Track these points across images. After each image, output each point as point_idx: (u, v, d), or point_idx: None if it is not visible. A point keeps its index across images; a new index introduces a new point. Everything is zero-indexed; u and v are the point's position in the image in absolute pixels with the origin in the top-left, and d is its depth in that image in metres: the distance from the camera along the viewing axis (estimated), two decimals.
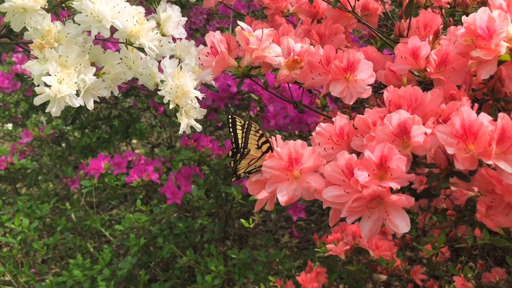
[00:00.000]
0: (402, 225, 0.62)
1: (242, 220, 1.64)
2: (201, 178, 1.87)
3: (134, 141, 3.28)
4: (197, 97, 0.97)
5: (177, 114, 0.96)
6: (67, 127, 2.83)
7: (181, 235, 2.09)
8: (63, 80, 0.84)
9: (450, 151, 0.61)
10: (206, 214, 2.04)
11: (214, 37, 0.85)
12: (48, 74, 0.84)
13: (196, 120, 1.01)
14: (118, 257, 2.29)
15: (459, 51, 0.74)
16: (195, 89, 0.96)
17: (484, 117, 0.61)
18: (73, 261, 2.07)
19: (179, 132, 0.97)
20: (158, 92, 0.96)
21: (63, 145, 2.91)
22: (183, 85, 0.92)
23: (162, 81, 0.97)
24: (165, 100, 0.94)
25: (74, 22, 0.90)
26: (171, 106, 0.94)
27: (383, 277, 1.59)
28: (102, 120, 2.77)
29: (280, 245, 2.72)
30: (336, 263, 1.78)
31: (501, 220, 0.88)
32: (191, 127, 0.99)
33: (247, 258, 1.87)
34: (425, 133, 0.64)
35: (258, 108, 1.84)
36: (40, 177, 2.79)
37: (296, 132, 1.82)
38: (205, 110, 0.99)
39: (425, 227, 1.88)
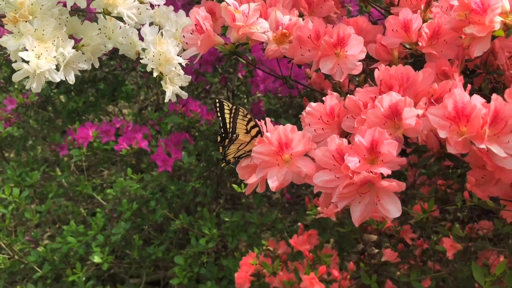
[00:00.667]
0: (393, 210, 0.62)
1: (234, 186, 1.64)
2: (191, 143, 1.86)
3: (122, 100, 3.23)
4: (181, 64, 0.94)
5: (162, 82, 0.93)
6: (52, 92, 2.77)
7: (173, 197, 2.10)
8: (41, 55, 0.80)
9: (442, 134, 0.60)
10: (198, 178, 2.04)
11: (199, 14, 0.82)
12: (25, 49, 0.81)
13: (182, 88, 0.99)
14: (111, 220, 2.30)
15: (451, 26, 0.72)
16: (178, 55, 0.92)
17: (477, 99, 0.59)
18: (66, 228, 2.07)
19: (165, 101, 0.94)
20: (141, 60, 0.92)
21: (50, 109, 2.86)
22: (165, 52, 0.89)
23: (143, 50, 0.94)
24: (148, 68, 0.91)
25: None
26: (154, 74, 0.91)
27: (374, 237, 1.62)
28: (88, 83, 2.71)
29: (272, 202, 2.75)
30: (328, 224, 1.81)
31: (492, 190, 0.88)
32: (177, 95, 0.97)
33: (240, 220, 1.89)
34: (417, 115, 0.63)
35: (246, 71, 1.80)
36: (28, 143, 2.76)
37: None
38: (190, 77, 0.96)
39: (415, 182, 1.90)
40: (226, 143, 0.77)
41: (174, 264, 1.88)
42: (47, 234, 2.70)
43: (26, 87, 0.81)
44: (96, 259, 1.87)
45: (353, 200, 0.64)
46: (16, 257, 1.99)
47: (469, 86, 0.63)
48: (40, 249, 2.01)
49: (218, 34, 0.95)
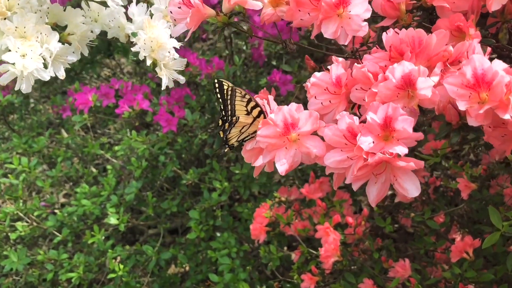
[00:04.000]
0: (411, 188, 0.59)
1: None
2: (193, 99, 1.81)
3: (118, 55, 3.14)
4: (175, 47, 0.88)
5: (156, 69, 0.87)
6: None
7: (181, 150, 2.09)
8: (26, 54, 0.75)
9: (461, 106, 0.55)
10: (204, 130, 2.02)
11: None
12: (8, 49, 0.76)
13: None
14: (122, 177, 2.31)
15: None
16: (171, 37, 0.86)
17: (499, 65, 0.54)
18: (79, 190, 2.09)
19: (162, 88, 0.89)
20: (132, 48, 0.86)
21: None
22: (157, 37, 0.83)
23: (133, 34, 0.87)
24: (140, 56, 0.85)
25: None
26: (148, 63, 0.86)
27: None
28: None
29: None
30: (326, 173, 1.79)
31: None
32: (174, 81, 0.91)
33: (250, 170, 1.88)
34: (433, 85, 0.58)
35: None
36: (30, 107, 2.72)
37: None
38: (186, 60, 0.91)
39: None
40: (226, 127, 0.73)
41: (189, 213, 1.90)
42: (62, 193, 2.72)
43: (15, 89, 0.77)
44: (113, 220, 1.90)
45: (369, 180, 0.61)
46: (34, 224, 2.02)
47: (489, 49, 0.58)
48: (57, 213, 2.04)
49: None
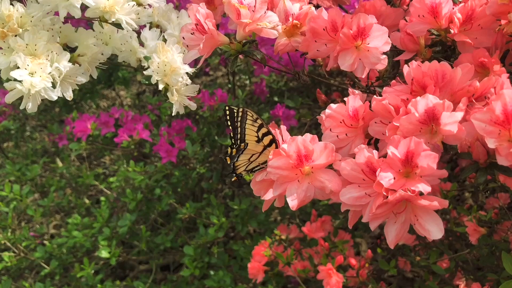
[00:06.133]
0: (434, 230, 0.55)
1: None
2: (194, 130, 1.78)
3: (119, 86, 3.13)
4: (188, 73, 0.86)
5: (168, 94, 0.85)
6: None
7: (178, 183, 2.04)
8: (35, 72, 0.72)
9: (491, 144, 0.52)
10: (202, 163, 1.97)
11: (199, 12, 0.72)
12: (16, 67, 0.73)
13: None
14: (115, 209, 2.25)
15: (492, 12, 0.63)
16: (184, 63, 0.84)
17: None
18: (71, 220, 2.03)
19: (173, 114, 0.86)
20: (144, 71, 0.84)
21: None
22: (171, 61, 0.81)
23: (146, 58, 0.85)
24: (153, 80, 0.83)
25: (37, 1, 0.76)
26: (160, 87, 0.83)
27: None
28: None
29: None
30: (340, 208, 1.75)
31: None
32: (185, 107, 0.89)
33: (249, 206, 1.83)
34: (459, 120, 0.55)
35: None
36: (26, 134, 2.68)
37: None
38: (198, 86, 0.89)
39: None
40: (234, 154, 0.69)
41: (183, 249, 1.83)
42: (52, 224, 2.65)
43: (21, 107, 0.74)
44: (104, 254, 1.83)
45: (388, 219, 0.57)
46: (22, 254, 1.94)
47: None
48: (46, 244, 1.97)
49: (218, 24, 0.86)
